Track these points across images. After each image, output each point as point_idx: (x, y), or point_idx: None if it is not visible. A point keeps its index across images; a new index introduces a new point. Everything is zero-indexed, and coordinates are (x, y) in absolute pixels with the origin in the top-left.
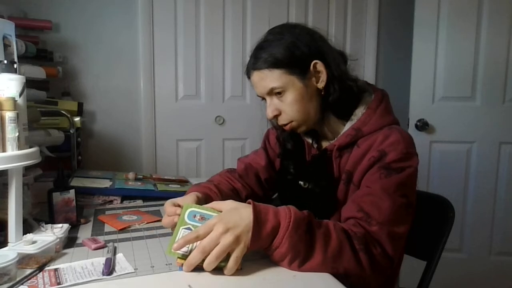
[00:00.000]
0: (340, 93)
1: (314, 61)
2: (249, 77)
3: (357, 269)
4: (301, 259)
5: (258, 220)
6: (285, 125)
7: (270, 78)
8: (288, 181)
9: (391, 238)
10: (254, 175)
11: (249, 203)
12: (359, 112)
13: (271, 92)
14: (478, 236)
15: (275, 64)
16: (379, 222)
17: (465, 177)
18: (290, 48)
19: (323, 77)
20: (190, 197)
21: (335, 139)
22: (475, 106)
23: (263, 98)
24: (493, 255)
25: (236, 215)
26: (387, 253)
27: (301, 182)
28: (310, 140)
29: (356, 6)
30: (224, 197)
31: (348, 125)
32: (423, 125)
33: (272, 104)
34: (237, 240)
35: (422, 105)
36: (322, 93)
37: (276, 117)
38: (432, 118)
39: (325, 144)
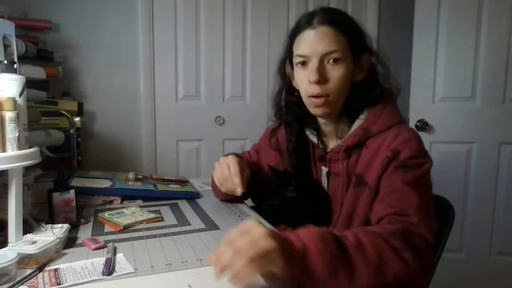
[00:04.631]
0: (366, 97)
1: (367, 54)
2: (303, 29)
3: (405, 271)
4: (345, 277)
5: (282, 241)
6: (320, 97)
7: (337, 41)
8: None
9: (429, 228)
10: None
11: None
12: (367, 111)
13: (326, 55)
14: (478, 236)
15: (346, 31)
16: (416, 212)
17: (465, 177)
18: (359, 29)
19: (363, 74)
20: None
21: (342, 139)
22: (475, 106)
23: (303, 63)
24: (493, 255)
25: None
26: (429, 243)
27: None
28: (315, 140)
29: (356, 6)
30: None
31: (356, 125)
32: (423, 125)
33: (322, 68)
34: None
35: (422, 105)
36: (362, 88)
37: (318, 83)
38: (432, 118)
39: (331, 144)
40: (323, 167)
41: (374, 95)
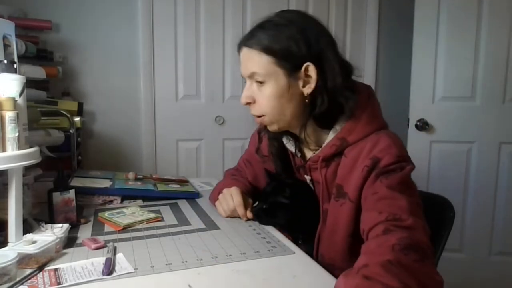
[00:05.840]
0: (328, 107)
1: (307, 64)
2: (239, 52)
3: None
4: None
5: None
6: (257, 116)
7: (257, 61)
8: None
9: (426, 231)
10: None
11: None
12: (343, 119)
13: (252, 77)
14: (478, 236)
15: (266, 49)
16: (408, 214)
17: (465, 177)
18: (289, 40)
19: (312, 84)
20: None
21: (319, 149)
22: (475, 106)
23: (246, 80)
24: (493, 255)
25: None
26: (431, 247)
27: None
28: (292, 149)
29: (356, 5)
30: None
31: (332, 135)
32: (423, 125)
33: (250, 90)
34: None
35: (422, 105)
36: (307, 100)
37: (248, 104)
38: (432, 118)
39: (308, 153)
40: (305, 176)
41: (345, 105)
